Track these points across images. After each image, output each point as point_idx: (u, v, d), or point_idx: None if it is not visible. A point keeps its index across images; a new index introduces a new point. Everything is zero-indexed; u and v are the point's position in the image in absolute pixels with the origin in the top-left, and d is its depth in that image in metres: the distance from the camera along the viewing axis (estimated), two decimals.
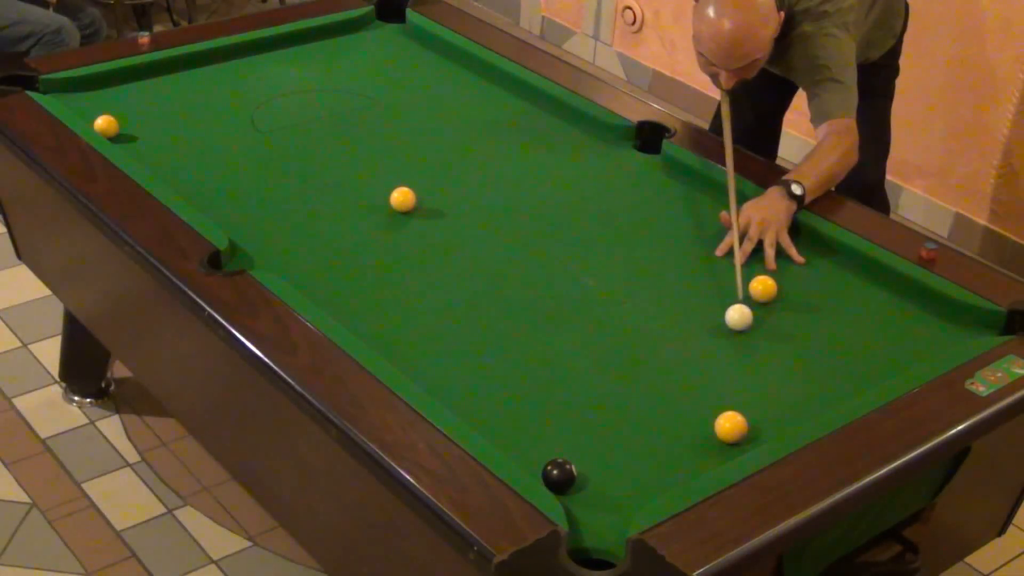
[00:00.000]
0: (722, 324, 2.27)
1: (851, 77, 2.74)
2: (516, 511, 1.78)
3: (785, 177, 2.57)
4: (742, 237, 2.46)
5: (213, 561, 2.79)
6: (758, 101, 3.16)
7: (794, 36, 2.74)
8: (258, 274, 2.28)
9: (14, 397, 3.26)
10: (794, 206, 2.52)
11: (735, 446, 1.97)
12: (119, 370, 3.30)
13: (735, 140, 2.67)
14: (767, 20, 2.58)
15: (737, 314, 2.26)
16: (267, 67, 3.14)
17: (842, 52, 2.73)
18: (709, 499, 1.82)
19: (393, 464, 1.86)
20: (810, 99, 2.78)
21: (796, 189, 2.53)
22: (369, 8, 3.37)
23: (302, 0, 3.90)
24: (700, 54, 2.65)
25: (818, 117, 2.74)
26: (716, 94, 2.80)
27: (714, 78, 2.69)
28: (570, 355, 2.21)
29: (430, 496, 1.80)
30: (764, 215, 2.48)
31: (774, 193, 2.54)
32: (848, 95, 2.73)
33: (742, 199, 2.59)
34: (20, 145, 2.66)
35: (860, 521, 2.00)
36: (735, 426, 1.98)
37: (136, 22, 5.17)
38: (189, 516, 2.90)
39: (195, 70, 3.08)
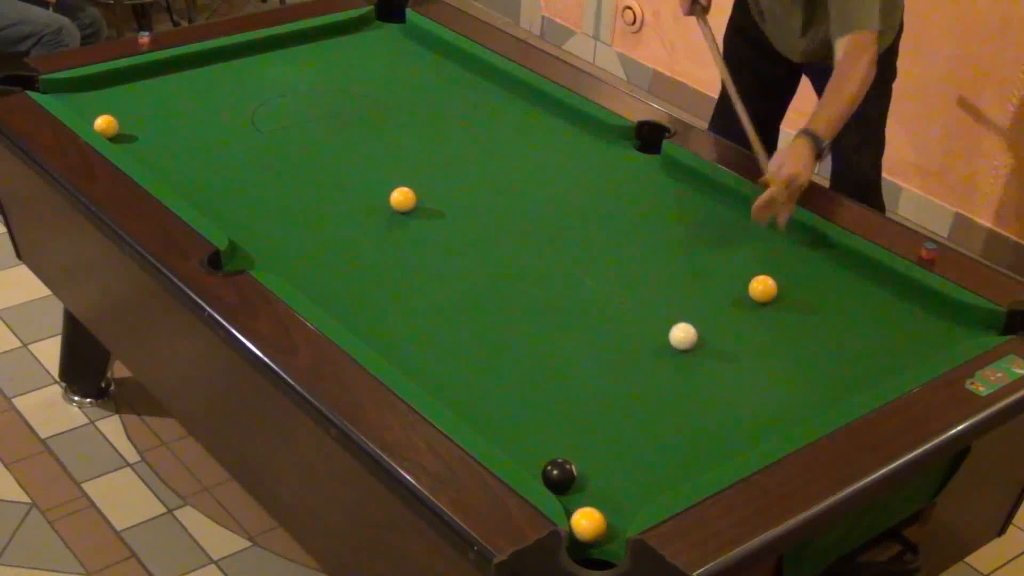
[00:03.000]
0: (722, 324, 2.28)
1: None
2: (516, 511, 1.78)
3: (812, 128, 2.56)
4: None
5: (213, 561, 2.79)
6: (755, 105, 3.15)
7: None
8: (258, 274, 2.28)
9: (14, 397, 3.26)
10: (817, 161, 2.53)
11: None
12: (119, 370, 3.30)
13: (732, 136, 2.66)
14: None
15: (682, 332, 2.21)
16: (267, 67, 3.14)
17: None
18: (709, 499, 1.82)
19: (393, 464, 1.86)
20: (831, 6, 2.73)
21: (821, 144, 2.53)
22: (369, 8, 3.37)
23: (302, 0, 3.90)
24: None
25: (840, 27, 2.69)
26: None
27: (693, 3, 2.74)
28: (570, 355, 2.21)
29: (430, 496, 1.80)
30: (797, 169, 2.47)
31: (803, 147, 2.52)
32: (871, 2, 2.67)
33: (742, 199, 2.60)
34: (20, 145, 2.66)
35: (860, 521, 2.00)
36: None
37: (136, 22, 5.17)
38: (189, 516, 2.90)
39: (195, 70, 3.08)
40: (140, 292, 2.53)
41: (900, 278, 2.40)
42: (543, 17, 5.49)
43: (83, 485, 2.98)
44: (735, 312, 2.34)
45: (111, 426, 3.17)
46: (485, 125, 2.95)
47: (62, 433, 3.14)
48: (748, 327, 2.30)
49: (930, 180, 4.21)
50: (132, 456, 3.08)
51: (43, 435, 3.14)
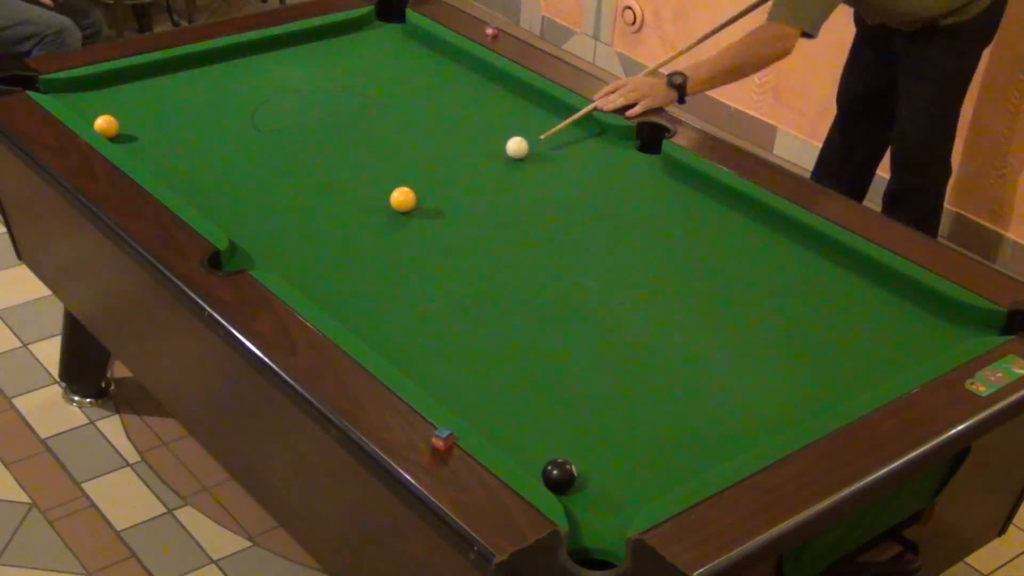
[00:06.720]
0: (722, 323, 2.28)
1: None
2: (516, 511, 1.78)
3: (683, 70, 2.93)
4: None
5: (213, 561, 2.79)
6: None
7: None
8: (258, 274, 2.28)
9: (14, 397, 3.26)
10: (674, 94, 2.92)
11: None
12: (119, 370, 3.30)
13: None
14: None
15: (515, 145, 2.71)
16: (267, 67, 3.14)
17: None
18: (709, 499, 1.82)
19: (393, 464, 1.86)
20: None
21: (676, 79, 2.92)
22: (369, 8, 3.37)
23: (302, 0, 3.90)
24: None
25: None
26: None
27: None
28: (570, 355, 2.21)
29: (430, 496, 1.80)
30: (643, 88, 2.90)
31: (659, 79, 2.95)
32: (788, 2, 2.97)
33: (742, 199, 2.60)
34: (20, 145, 2.66)
35: (860, 521, 2.00)
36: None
37: (136, 22, 5.18)
38: (189, 516, 2.90)
39: (195, 70, 3.08)
40: (140, 292, 2.53)
41: (900, 278, 2.40)
42: (543, 17, 5.49)
43: (83, 485, 2.99)
44: (735, 312, 2.34)
45: (111, 426, 3.17)
46: (485, 125, 2.95)
47: (62, 433, 3.15)
48: (748, 327, 2.30)
49: None
50: (132, 456, 3.08)
51: (43, 435, 3.14)
